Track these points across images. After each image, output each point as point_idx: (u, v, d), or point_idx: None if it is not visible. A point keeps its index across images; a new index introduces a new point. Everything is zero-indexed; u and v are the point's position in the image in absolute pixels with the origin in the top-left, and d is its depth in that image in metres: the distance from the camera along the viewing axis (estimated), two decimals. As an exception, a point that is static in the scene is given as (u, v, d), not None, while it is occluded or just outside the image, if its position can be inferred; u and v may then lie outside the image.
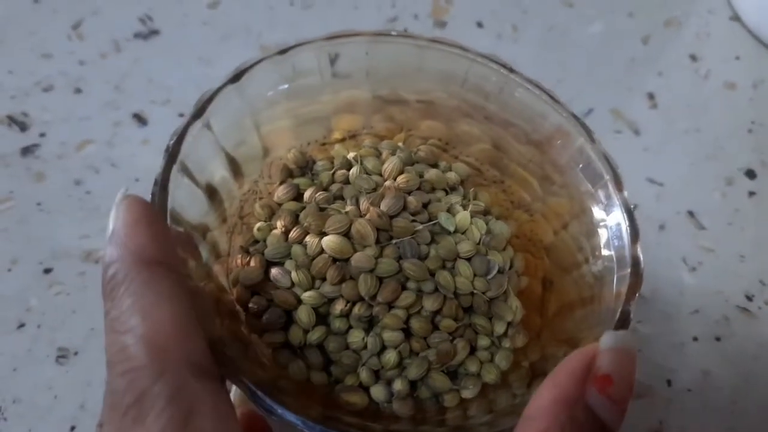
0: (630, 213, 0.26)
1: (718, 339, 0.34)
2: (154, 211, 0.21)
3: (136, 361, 0.18)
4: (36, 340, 0.31)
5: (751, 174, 0.40)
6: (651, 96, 0.43)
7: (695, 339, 0.34)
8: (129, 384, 0.17)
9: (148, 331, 0.18)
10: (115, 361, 0.18)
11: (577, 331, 0.26)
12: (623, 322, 0.23)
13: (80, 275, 0.33)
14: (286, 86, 0.29)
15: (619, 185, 0.26)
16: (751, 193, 0.40)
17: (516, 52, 0.44)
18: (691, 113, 0.43)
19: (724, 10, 0.48)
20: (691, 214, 0.38)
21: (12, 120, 0.37)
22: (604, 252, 0.26)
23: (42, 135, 0.37)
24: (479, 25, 0.45)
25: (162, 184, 0.23)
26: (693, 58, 0.46)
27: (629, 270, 0.24)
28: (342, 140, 0.32)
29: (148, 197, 0.23)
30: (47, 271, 0.33)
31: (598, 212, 0.27)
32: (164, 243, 0.20)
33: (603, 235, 0.26)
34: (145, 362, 0.17)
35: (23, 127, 0.37)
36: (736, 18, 0.48)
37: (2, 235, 0.34)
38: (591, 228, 0.27)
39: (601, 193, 0.27)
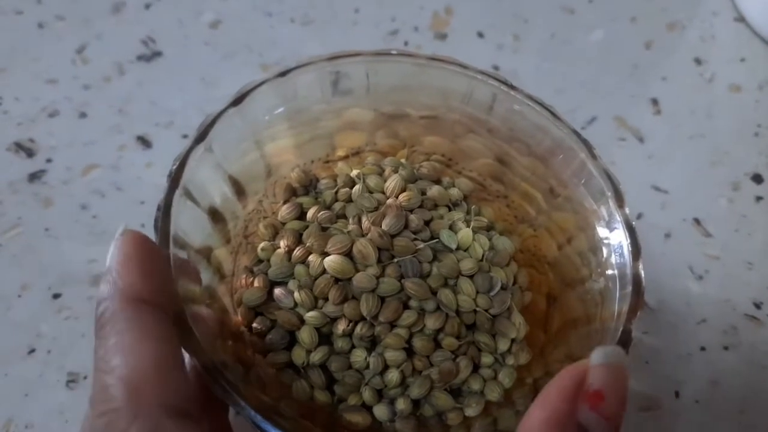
0: (632, 230, 0.25)
1: (726, 348, 0.34)
2: (150, 247, 0.21)
3: (114, 402, 0.18)
4: (47, 365, 0.32)
5: (757, 178, 0.40)
6: (655, 102, 0.43)
7: (703, 349, 0.34)
8: (106, 425, 0.18)
9: (127, 371, 0.18)
10: (96, 401, 0.19)
11: (580, 348, 0.26)
12: (624, 342, 0.23)
13: (88, 300, 0.33)
14: (287, 107, 0.29)
15: (620, 201, 0.26)
16: (759, 198, 0.39)
17: (517, 62, 0.44)
18: (696, 118, 0.42)
19: (728, 11, 0.48)
20: (697, 221, 0.38)
21: (19, 146, 0.38)
22: (607, 269, 0.26)
23: (48, 161, 0.37)
24: (480, 35, 0.45)
25: (165, 210, 0.24)
26: (697, 61, 0.45)
27: (630, 288, 0.24)
28: (345, 158, 0.32)
29: (152, 221, 0.24)
30: (56, 296, 0.33)
31: (600, 229, 0.27)
32: (155, 280, 0.21)
33: (605, 252, 0.26)
34: (121, 404, 0.18)
35: (30, 153, 0.38)
36: (740, 19, 0.47)
37: (12, 262, 0.34)
38: (594, 244, 0.27)
39: (603, 210, 0.27)
